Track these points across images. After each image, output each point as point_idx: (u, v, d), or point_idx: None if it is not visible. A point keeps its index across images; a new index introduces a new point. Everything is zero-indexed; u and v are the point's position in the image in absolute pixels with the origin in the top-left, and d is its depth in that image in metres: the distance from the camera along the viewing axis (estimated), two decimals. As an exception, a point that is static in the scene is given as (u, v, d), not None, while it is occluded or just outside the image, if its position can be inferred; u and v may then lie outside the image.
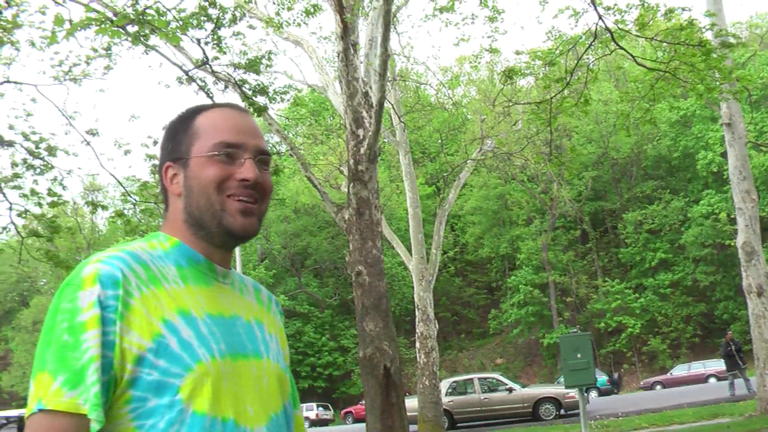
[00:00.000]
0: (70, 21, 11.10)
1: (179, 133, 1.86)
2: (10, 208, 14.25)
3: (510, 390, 29.30)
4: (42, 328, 1.61)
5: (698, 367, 44.28)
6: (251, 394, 1.74)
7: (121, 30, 10.61)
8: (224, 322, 1.76)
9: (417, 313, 23.46)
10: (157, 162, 14.57)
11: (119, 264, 1.64)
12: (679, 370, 44.88)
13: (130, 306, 1.61)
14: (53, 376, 1.54)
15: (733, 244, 27.21)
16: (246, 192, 1.80)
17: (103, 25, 10.48)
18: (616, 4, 14.30)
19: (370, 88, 13.97)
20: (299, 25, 18.43)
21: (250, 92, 12.81)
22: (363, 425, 17.59)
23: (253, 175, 1.79)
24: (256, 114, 13.32)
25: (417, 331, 23.37)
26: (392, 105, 24.13)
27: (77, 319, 1.57)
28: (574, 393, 25.92)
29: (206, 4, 11.52)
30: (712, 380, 41.67)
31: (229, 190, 1.79)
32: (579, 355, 22.12)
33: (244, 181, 1.79)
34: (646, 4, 14.55)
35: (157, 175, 1.92)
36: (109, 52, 13.68)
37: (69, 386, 1.53)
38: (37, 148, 13.98)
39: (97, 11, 10.76)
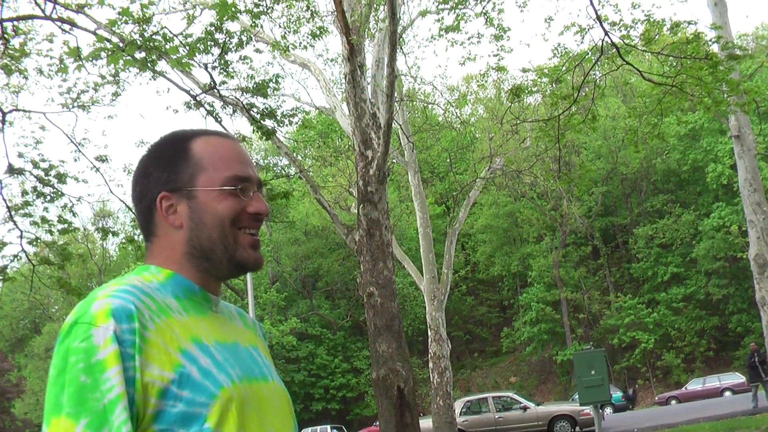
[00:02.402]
0: (78, 49, 11.16)
1: (176, 162, 1.81)
2: (21, 236, 14.26)
3: (525, 408, 29.21)
4: (51, 371, 1.55)
5: (713, 381, 44.01)
6: (271, 415, 1.73)
7: (132, 59, 10.65)
8: (229, 349, 1.74)
9: (429, 333, 23.40)
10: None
11: (130, 297, 1.60)
12: (694, 385, 44.60)
13: (147, 339, 1.57)
14: (74, 420, 1.48)
15: (745, 256, 27.16)
16: (256, 225, 1.81)
17: (113, 55, 10.51)
18: (621, 20, 14.31)
19: (378, 109, 14.00)
20: (306, 47, 18.47)
21: (258, 116, 12.81)
22: (378, 447, 17.53)
23: (266, 208, 1.81)
24: (264, 137, 13.37)
25: (430, 351, 23.31)
26: (400, 125, 24.16)
27: (94, 357, 1.52)
28: (589, 410, 25.85)
29: (212, 29, 11.55)
30: (728, 394, 41.48)
31: (241, 223, 1.79)
32: (593, 372, 22.15)
33: (257, 215, 1.80)
34: (652, 19, 14.55)
35: (135, 204, 1.80)
36: (117, 78, 13.72)
37: (93, 429, 1.48)
38: (46, 175, 13.99)
39: (109, 40, 10.80)
